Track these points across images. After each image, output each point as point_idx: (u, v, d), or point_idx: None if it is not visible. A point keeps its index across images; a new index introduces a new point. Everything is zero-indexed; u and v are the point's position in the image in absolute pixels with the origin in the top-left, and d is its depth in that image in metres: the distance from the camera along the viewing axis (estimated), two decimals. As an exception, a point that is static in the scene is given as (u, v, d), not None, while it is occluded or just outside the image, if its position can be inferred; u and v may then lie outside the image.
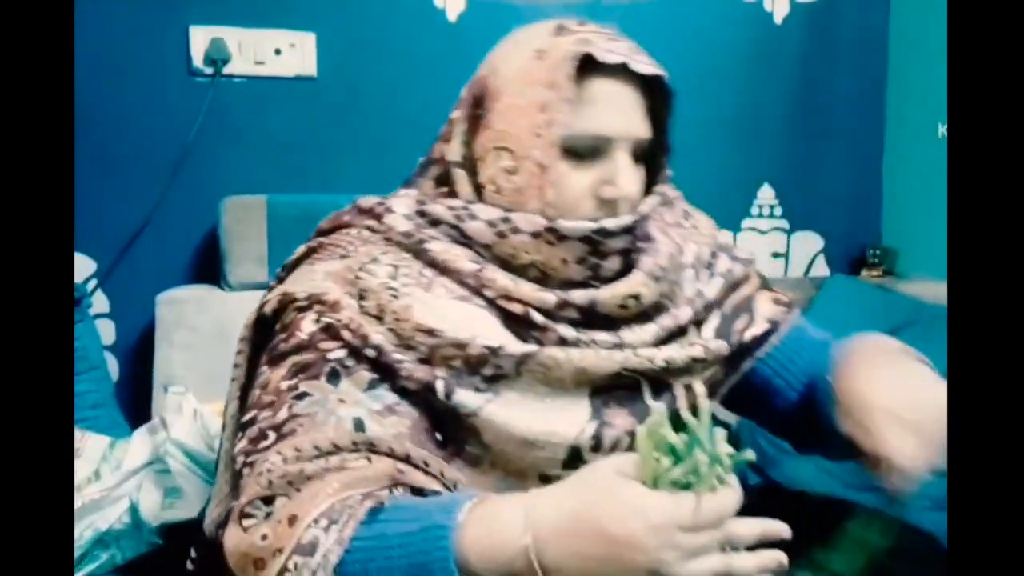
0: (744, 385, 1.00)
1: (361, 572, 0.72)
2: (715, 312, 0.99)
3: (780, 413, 1.00)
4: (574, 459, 0.83)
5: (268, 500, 0.77)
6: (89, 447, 1.18)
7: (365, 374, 0.83)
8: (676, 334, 0.93)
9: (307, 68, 1.60)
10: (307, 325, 0.84)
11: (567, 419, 0.85)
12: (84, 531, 1.12)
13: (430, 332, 0.83)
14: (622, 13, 1.75)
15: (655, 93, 0.90)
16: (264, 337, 0.89)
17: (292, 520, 0.75)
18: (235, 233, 1.47)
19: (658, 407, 0.72)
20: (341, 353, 0.83)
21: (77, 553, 1.11)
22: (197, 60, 1.54)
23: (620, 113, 0.87)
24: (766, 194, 1.89)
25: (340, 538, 0.73)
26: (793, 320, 1.03)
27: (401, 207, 0.92)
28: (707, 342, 0.93)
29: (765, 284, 1.06)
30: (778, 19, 1.84)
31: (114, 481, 1.15)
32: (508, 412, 0.83)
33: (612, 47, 0.86)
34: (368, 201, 0.94)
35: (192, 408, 1.22)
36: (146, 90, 1.52)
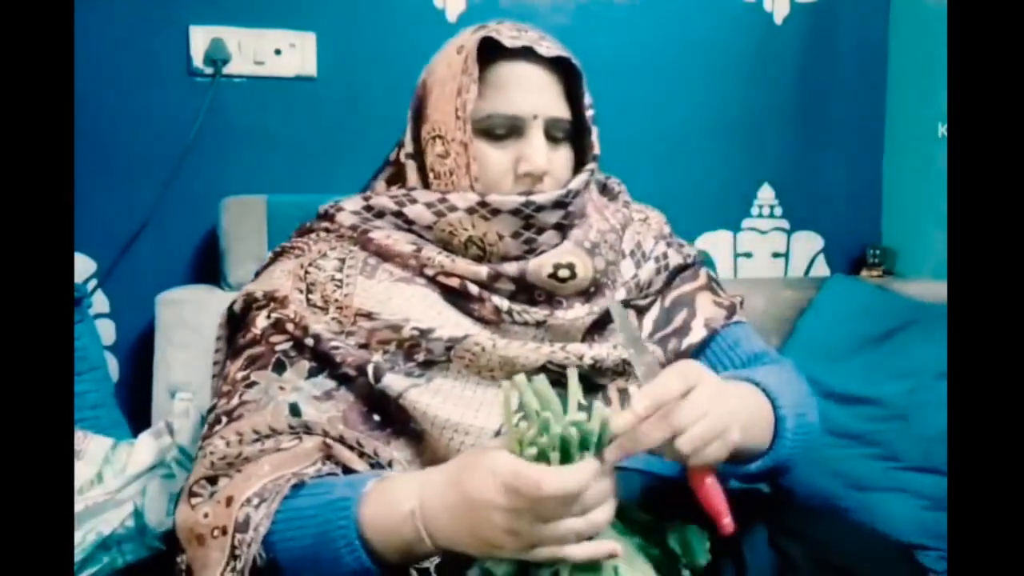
0: None
1: (280, 541, 0.80)
2: (656, 303, 1.02)
3: None
4: None
5: (212, 480, 0.85)
6: (91, 449, 1.18)
7: (306, 363, 0.90)
8: (610, 319, 0.96)
9: (307, 68, 1.59)
10: (260, 321, 0.93)
11: (493, 410, 0.89)
12: (87, 535, 1.11)
13: (368, 316, 0.90)
14: (622, 13, 1.75)
15: (570, 77, 0.97)
16: (236, 334, 0.96)
17: (229, 501, 0.82)
18: (235, 233, 1.47)
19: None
20: (286, 345, 0.91)
21: (80, 557, 1.10)
22: (197, 60, 1.54)
23: (530, 94, 0.94)
24: (766, 194, 1.89)
25: (268, 512, 0.80)
26: (730, 327, 1.04)
27: (350, 205, 1.00)
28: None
29: (712, 284, 1.07)
30: (778, 19, 1.84)
31: (117, 484, 1.15)
32: (432, 398, 0.89)
33: (518, 35, 0.94)
34: (324, 205, 1.02)
35: (200, 414, 1.22)
36: (146, 90, 1.52)
